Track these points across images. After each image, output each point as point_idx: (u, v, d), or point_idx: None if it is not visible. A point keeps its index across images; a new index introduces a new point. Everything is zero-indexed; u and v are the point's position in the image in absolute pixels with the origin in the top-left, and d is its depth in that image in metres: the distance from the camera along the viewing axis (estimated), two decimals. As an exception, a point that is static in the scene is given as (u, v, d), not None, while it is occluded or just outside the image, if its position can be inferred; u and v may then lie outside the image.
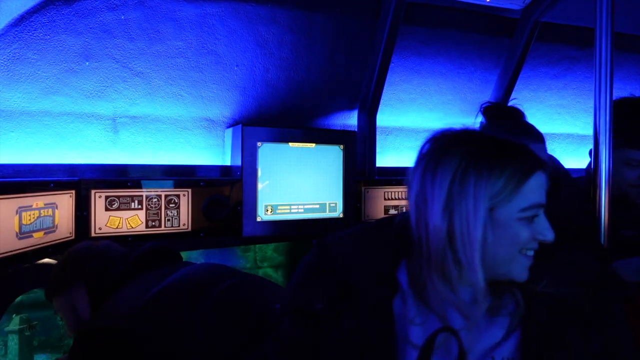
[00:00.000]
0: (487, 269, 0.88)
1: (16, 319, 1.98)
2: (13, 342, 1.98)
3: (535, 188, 0.90)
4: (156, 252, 1.59)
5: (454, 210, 0.87)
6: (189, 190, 2.30)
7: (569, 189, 1.59)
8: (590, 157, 1.63)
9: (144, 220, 2.20)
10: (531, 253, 0.92)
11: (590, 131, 1.61)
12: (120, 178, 2.23)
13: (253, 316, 1.34)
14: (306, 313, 0.94)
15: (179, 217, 2.27)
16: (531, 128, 1.51)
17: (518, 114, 1.56)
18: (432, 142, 0.93)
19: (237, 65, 2.48)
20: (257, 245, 3.02)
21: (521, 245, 0.90)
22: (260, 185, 2.44)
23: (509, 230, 0.89)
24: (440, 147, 0.91)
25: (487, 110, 1.58)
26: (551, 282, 0.94)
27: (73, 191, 2.02)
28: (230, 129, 2.53)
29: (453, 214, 0.87)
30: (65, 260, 1.61)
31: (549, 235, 0.91)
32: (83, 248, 1.62)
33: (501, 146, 0.92)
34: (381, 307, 0.91)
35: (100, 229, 2.09)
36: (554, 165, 1.63)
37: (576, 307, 0.92)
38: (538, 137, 1.50)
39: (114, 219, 2.12)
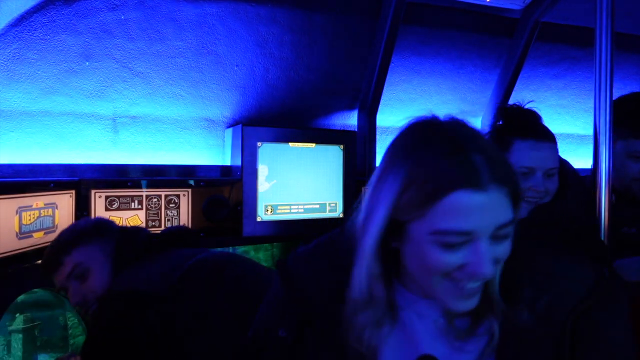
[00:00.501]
0: (420, 286, 0.81)
1: (20, 318, 1.98)
2: (16, 342, 1.98)
3: (454, 210, 0.71)
4: (179, 233, 1.62)
5: (368, 214, 0.80)
6: (189, 190, 2.30)
7: (576, 188, 1.58)
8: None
9: (144, 220, 2.20)
10: (469, 285, 0.75)
11: (590, 131, 1.61)
12: (120, 178, 2.23)
13: None
14: (271, 341, 0.89)
15: (179, 217, 2.27)
16: (547, 130, 1.53)
17: (534, 117, 1.57)
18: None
19: (237, 65, 2.48)
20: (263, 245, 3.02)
21: (438, 271, 0.75)
22: (267, 185, 2.45)
23: (419, 250, 0.75)
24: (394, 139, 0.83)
25: (504, 112, 1.59)
26: (534, 302, 0.79)
27: (73, 191, 2.02)
28: (230, 129, 2.53)
29: (367, 217, 0.80)
30: (87, 220, 1.61)
31: (480, 270, 0.72)
32: (100, 217, 1.64)
33: (430, 146, 0.75)
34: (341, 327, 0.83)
35: (100, 229, 2.09)
36: (562, 165, 1.62)
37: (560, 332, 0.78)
38: (552, 139, 1.52)
39: (114, 219, 2.12)
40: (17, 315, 1.99)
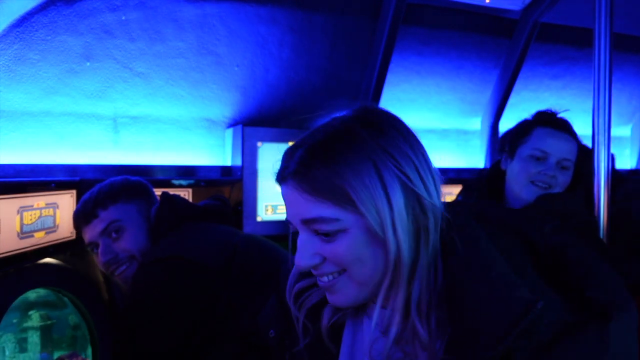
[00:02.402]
0: None
1: (36, 315, 1.99)
2: (34, 339, 1.99)
3: (283, 199, 0.81)
4: (217, 207, 1.62)
5: None
6: (190, 190, 2.31)
7: (589, 188, 1.59)
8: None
9: (144, 220, 2.20)
10: (318, 278, 0.79)
11: (589, 131, 1.62)
12: (121, 178, 2.24)
13: None
14: (263, 339, 0.92)
15: (180, 217, 2.27)
16: (569, 126, 1.61)
17: (562, 119, 1.63)
18: None
19: (237, 66, 2.49)
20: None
21: None
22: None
23: None
24: None
25: (542, 116, 1.65)
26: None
27: (74, 191, 2.02)
28: (231, 129, 2.53)
29: None
30: (128, 180, 1.58)
31: (295, 260, 0.78)
32: (141, 180, 1.62)
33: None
34: (327, 333, 0.84)
35: (101, 228, 2.09)
36: (585, 163, 1.63)
37: None
38: (572, 134, 1.60)
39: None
40: (33, 312, 2.00)
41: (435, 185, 0.77)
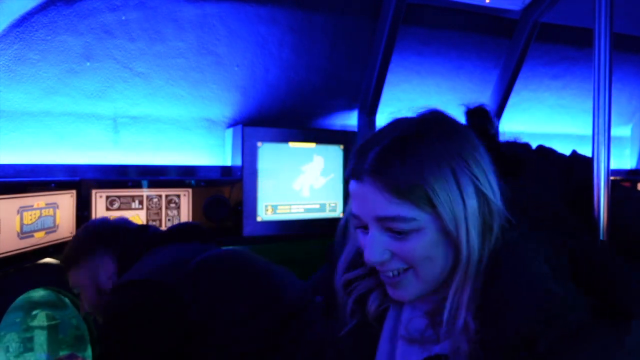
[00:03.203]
0: None
1: (42, 315, 2.00)
2: (41, 339, 2.00)
3: (351, 195, 0.82)
4: (189, 228, 1.63)
5: None
6: (190, 190, 2.31)
7: (538, 166, 1.59)
8: None
9: (144, 220, 2.20)
10: (382, 273, 0.81)
11: (589, 131, 1.61)
12: (121, 178, 2.24)
13: (284, 305, 1.36)
14: (309, 304, 1.01)
15: (180, 217, 2.27)
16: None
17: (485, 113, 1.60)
18: None
19: (237, 66, 2.49)
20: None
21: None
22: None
23: None
24: None
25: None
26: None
27: (74, 191, 2.02)
28: (231, 129, 2.53)
29: None
30: (87, 229, 1.60)
31: (365, 254, 0.80)
32: (104, 219, 1.63)
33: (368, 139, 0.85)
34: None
35: (101, 228, 2.09)
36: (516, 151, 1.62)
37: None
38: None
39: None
40: (38, 312, 2.00)
41: (498, 188, 0.81)
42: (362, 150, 0.81)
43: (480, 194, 0.78)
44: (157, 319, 1.28)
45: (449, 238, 0.77)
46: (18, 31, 1.94)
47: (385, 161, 0.77)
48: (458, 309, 0.77)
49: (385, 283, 0.83)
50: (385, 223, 0.77)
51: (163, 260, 1.40)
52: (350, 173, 0.81)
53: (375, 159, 0.78)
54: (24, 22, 1.94)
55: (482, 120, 1.61)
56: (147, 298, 1.29)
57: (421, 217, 0.76)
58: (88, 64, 2.15)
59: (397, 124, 0.84)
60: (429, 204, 0.76)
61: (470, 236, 0.77)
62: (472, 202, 0.77)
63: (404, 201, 0.76)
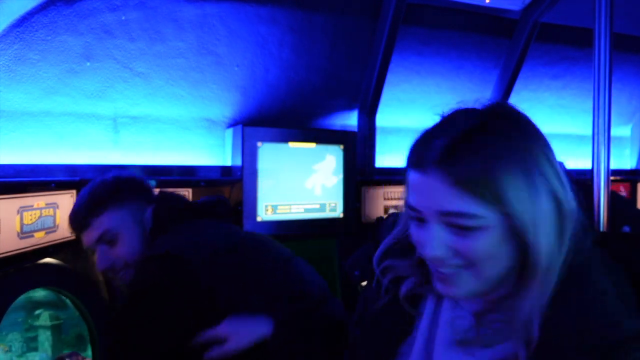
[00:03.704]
0: None
1: (45, 314, 2.00)
2: (45, 338, 2.00)
3: (409, 186, 0.77)
4: (219, 203, 1.57)
5: None
6: (190, 190, 2.31)
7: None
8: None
9: (144, 220, 2.20)
10: (435, 267, 0.77)
11: (589, 131, 1.61)
12: (121, 178, 2.23)
13: (301, 298, 1.35)
14: (348, 275, 1.02)
15: (180, 217, 2.27)
16: None
17: None
18: None
19: (237, 66, 2.49)
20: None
21: (416, 246, 0.79)
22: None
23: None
24: None
25: None
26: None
27: (74, 191, 2.02)
28: (231, 129, 2.53)
29: None
30: (119, 179, 1.48)
31: (424, 249, 0.75)
32: (134, 176, 1.54)
33: (426, 130, 0.81)
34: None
35: (101, 228, 2.09)
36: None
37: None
38: None
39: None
40: (41, 312, 2.00)
41: (571, 190, 0.76)
42: (426, 139, 0.76)
43: (552, 195, 0.73)
44: (181, 296, 1.24)
45: (516, 239, 0.73)
46: (18, 31, 1.94)
47: (455, 153, 0.72)
48: (530, 314, 0.73)
49: (435, 277, 0.78)
50: (449, 218, 0.72)
51: (196, 237, 1.37)
52: (413, 163, 0.76)
53: (444, 150, 0.72)
54: (24, 22, 1.94)
55: None
56: (171, 273, 1.26)
57: (488, 214, 0.71)
58: (88, 64, 2.15)
59: (467, 115, 0.78)
60: (499, 202, 0.71)
61: (540, 238, 0.72)
62: (544, 203, 0.72)
63: (472, 196, 0.71)
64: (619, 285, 0.74)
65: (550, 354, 0.70)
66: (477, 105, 0.80)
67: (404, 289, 0.86)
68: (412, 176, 0.75)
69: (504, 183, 0.71)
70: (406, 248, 0.85)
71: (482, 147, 0.72)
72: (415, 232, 0.78)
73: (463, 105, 0.83)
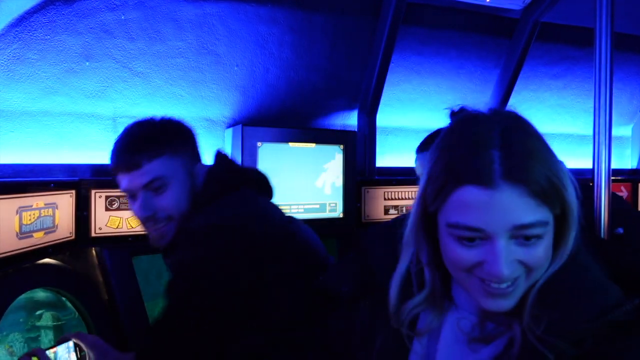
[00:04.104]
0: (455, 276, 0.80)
1: (48, 315, 2.00)
2: (48, 339, 2.00)
3: (462, 205, 0.71)
4: (262, 177, 1.52)
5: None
6: (189, 190, 2.30)
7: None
8: None
9: (144, 220, 2.19)
10: (494, 285, 0.72)
11: (590, 131, 1.61)
12: (121, 178, 2.23)
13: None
14: (334, 292, 1.00)
15: (179, 217, 2.27)
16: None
17: None
18: None
19: (237, 65, 2.49)
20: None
21: (459, 266, 0.74)
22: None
23: (443, 242, 0.76)
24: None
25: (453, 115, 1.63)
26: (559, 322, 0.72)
27: (73, 191, 2.02)
28: (231, 129, 2.53)
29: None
30: (180, 126, 1.42)
31: (495, 270, 0.70)
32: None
33: (453, 140, 0.75)
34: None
35: (100, 228, 2.09)
36: None
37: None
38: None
39: (114, 219, 2.12)
40: (43, 312, 2.00)
41: None
42: (480, 153, 0.70)
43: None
44: (242, 269, 1.21)
45: (555, 237, 0.73)
46: (17, 31, 1.94)
47: (520, 162, 0.69)
48: (531, 296, 0.74)
49: (482, 293, 0.74)
50: (523, 231, 0.69)
51: (254, 208, 1.35)
52: (470, 179, 0.69)
53: (508, 161, 0.69)
54: (22, 21, 1.94)
55: None
56: (239, 245, 1.22)
57: (551, 218, 0.71)
58: (87, 63, 2.15)
59: (495, 119, 0.76)
60: (560, 203, 0.71)
61: (573, 231, 0.73)
62: (574, 197, 0.74)
63: (542, 204, 0.69)
64: (594, 260, 0.77)
65: (545, 329, 0.72)
66: (481, 108, 0.80)
67: (421, 325, 0.84)
68: (473, 194, 0.69)
69: (565, 185, 0.71)
70: (419, 279, 0.82)
71: (537, 152, 0.71)
72: (465, 253, 0.72)
73: (469, 107, 0.84)
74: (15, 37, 1.94)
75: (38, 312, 2.00)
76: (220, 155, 1.47)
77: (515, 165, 0.69)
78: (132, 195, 1.35)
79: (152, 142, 1.32)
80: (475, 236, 0.71)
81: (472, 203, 0.70)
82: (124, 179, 1.34)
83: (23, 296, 1.85)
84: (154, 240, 1.37)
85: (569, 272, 0.75)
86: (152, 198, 1.30)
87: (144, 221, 1.34)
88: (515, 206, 0.68)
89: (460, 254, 0.73)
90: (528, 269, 0.72)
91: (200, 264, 1.22)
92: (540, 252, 0.72)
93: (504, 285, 0.72)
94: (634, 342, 0.70)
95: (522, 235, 0.70)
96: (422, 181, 0.78)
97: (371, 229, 1.04)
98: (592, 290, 0.74)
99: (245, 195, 1.38)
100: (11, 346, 1.95)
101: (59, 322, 2.01)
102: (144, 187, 1.30)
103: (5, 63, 1.95)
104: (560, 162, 0.74)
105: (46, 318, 2.00)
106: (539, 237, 0.71)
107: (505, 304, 0.74)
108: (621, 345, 0.70)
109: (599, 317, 0.70)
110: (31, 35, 1.97)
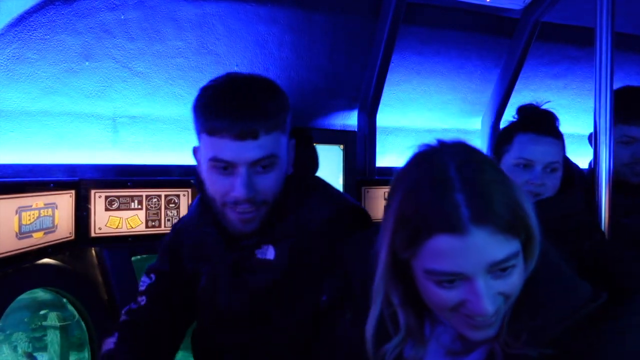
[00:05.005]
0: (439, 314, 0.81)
1: (53, 315, 2.00)
2: (54, 339, 2.00)
3: (437, 253, 0.71)
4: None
5: (377, 249, 0.81)
6: (189, 190, 2.30)
7: (580, 187, 1.58)
8: (590, 142, 1.64)
9: (143, 220, 2.19)
10: (478, 319, 0.74)
11: (590, 131, 1.61)
12: (120, 178, 2.23)
13: None
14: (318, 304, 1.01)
15: (179, 217, 2.26)
16: (552, 127, 1.57)
17: (543, 114, 1.58)
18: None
19: (237, 65, 2.48)
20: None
21: (441, 307, 0.76)
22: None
23: (421, 286, 0.77)
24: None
25: (517, 110, 1.62)
26: (535, 333, 0.74)
27: (73, 191, 2.02)
28: (230, 129, 2.52)
29: (377, 252, 0.82)
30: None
31: (478, 309, 0.71)
32: None
33: (418, 184, 0.75)
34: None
35: (100, 229, 2.09)
36: (568, 164, 1.63)
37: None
38: (556, 136, 1.55)
39: (114, 219, 2.12)
40: (47, 312, 2.00)
41: None
42: (440, 198, 0.71)
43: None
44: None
45: (524, 259, 0.76)
46: (16, 30, 1.94)
47: (484, 202, 0.70)
48: (508, 320, 0.77)
49: (469, 328, 0.76)
50: (497, 266, 0.71)
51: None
52: (440, 228, 0.70)
53: (473, 202, 0.70)
54: (22, 21, 1.93)
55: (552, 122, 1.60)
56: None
57: (520, 246, 0.74)
58: (87, 63, 2.14)
59: (448, 153, 0.77)
60: (525, 230, 0.73)
61: (539, 249, 0.76)
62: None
63: (511, 237, 0.72)
64: (562, 259, 0.80)
65: (523, 328, 0.74)
66: (434, 146, 0.80)
67: (407, 354, 0.84)
68: (447, 242, 0.70)
69: (526, 208, 0.73)
70: (394, 322, 0.82)
71: (499, 186, 0.73)
72: (447, 295, 0.73)
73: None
74: (14, 37, 1.94)
75: (42, 312, 2.01)
76: (308, 137, 1.30)
77: (481, 206, 0.70)
78: (228, 165, 1.08)
79: (274, 109, 1.09)
80: (455, 278, 0.72)
81: (447, 251, 0.71)
82: (226, 146, 1.05)
83: (26, 296, 1.86)
84: (236, 225, 1.14)
85: (540, 277, 0.77)
86: (254, 176, 1.08)
87: (237, 202, 1.10)
88: (487, 246, 0.70)
89: (442, 296, 0.74)
90: (507, 297, 0.75)
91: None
92: (515, 280, 0.74)
93: (489, 319, 0.74)
94: (606, 335, 0.73)
95: (498, 269, 0.72)
96: (387, 225, 0.78)
97: (352, 239, 0.99)
98: (564, 290, 0.76)
99: (330, 190, 1.33)
100: (14, 346, 1.96)
101: (65, 323, 2.02)
102: (254, 163, 1.07)
103: (5, 63, 1.95)
104: (514, 184, 0.75)
105: (52, 318, 2.00)
106: (513, 266, 0.73)
107: (491, 332, 0.76)
108: (594, 339, 0.72)
109: (572, 315, 0.73)
110: (31, 35, 1.97)
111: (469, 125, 3.24)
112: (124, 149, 2.34)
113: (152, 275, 1.35)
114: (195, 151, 1.19)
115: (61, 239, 1.94)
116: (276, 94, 1.13)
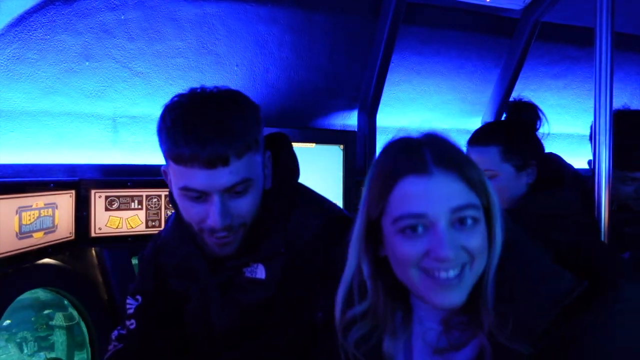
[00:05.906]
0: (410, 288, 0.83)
1: (59, 315, 2.00)
2: (60, 339, 2.00)
3: (404, 196, 0.78)
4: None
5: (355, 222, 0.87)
6: (189, 190, 2.30)
7: (574, 181, 1.58)
8: (590, 166, 1.64)
9: (143, 220, 2.19)
10: (441, 274, 0.76)
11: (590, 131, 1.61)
12: (120, 178, 2.23)
13: None
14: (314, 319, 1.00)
15: (179, 217, 2.27)
16: (484, 133, 1.61)
17: (525, 106, 1.63)
18: None
19: (237, 65, 2.48)
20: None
21: (408, 262, 0.78)
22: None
23: (391, 246, 0.80)
24: None
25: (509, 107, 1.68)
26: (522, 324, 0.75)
27: (73, 191, 2.02)
28: (230, 129, 2.52)
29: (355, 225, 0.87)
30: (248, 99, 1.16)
31: (440, 253, 0.75)
32: None
33: (389, 150, 0.84)
34: None
35: (100, 229, 2.09)
36: (554, 159, 1.63)
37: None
38: (483, 143, 1.57)
39: (114, 219, 2.12)
40: (52, 312, 2.00)
41: None
42: (413, 148, 0.81)
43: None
44: None
45: (487, 228, 0.79)
46: (17, 30, 1.94)
47: (449, 154, 0.79)
48: (486, 295, 0.79)
49: (433, 289, 0.78)
50: (458, 214, 0.77)
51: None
52: (408, 170, 0.78)
53: (438, 153, 0.79)
54: (22, 21, 1.93)
55: (532, 116, 1.64)
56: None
57: (481, 206, 0.79)
58: (87, 63, 2.15)
59: (421, 136, 0.84)
60: (486, 195, 0.79)
61: (499, 224, 0.79)
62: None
63: (472, 191, 0.78)
64: (542, 252, 0.82)
65: (507, 311, 0.76)
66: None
67: (386, 348, 0.86)
68: (413, 182, 0.78)
69: (484, 176, 0.80)
70: (361, 291, 0.85)
71: (465, 156, 0.82)
72: (412, 246, 0.78)
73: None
74: (15, 37, 1.94)
75: (46, 312, 2.01)
76: (285, 144, 1.27)
77: (444, 154, 0.79)
78: (199, 196, 1.03)
79: (243, 129, 1.02)
80: (419, 223, 0.77)
81: (413, 192, 0.77)
82: (196, 175, 1.00)
83: (29, 295, 1.86)
84: (213, 249, 1.10)
85: (517, 264, 0.80)
86: (229, 202, 1.03)
87: (214, 230, 1.05)
88: (450, 190, 0.77)
89: (407, 248, 0.78)
90: (470, 256, 0.78)
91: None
92: (478, 238, 0.78)
93: (451, 274, 0.77)
94: (591, 324, 0.75)
95: (458, 218, 0.77)
96: (364, 193, 0.85)
97: (344, 241, 0.93)
98: (545, 279, 0.78)
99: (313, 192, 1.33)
100: (19, 345, 1.96)
101: (72, 323, 2.02)
102: (227, 189, 1.02)
103: (5, 63, 1.95)
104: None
105: (59, 318, 2.00)
106: (474, 220, 0.77)
107: (455, 296, 0.78)
108: (579, 330, 0.74)
109: (556, 302, 0.76)
110: (31, 35, 1.97)
111: (469, 125, 3.24)
112: (124, 149, 2.35)
113: (139, 297, 1.25)
114: (165, 173, 1.11)
115: (61, 239, 1.94)
116: (245, 110, 1.07)
